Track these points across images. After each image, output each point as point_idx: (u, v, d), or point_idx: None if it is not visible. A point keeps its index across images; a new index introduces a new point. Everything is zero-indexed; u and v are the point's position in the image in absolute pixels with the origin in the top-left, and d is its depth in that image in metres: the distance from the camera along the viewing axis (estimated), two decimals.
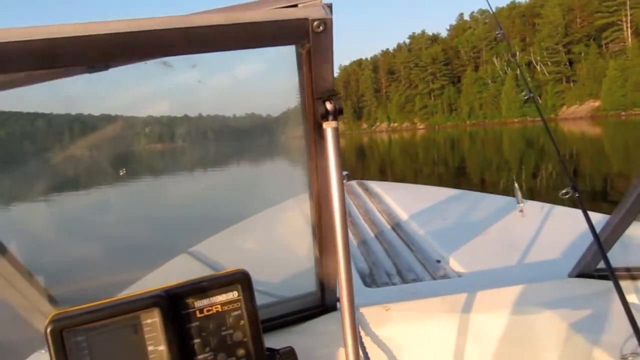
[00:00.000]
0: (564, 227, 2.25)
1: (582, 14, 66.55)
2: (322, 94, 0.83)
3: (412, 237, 2.45)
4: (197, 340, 0.97)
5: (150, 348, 0.94)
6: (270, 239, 2.62)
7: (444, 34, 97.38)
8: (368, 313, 1.42)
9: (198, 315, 0.97)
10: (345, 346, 0.95)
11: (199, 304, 0.97)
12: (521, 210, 2.57)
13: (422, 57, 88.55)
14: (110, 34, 0.64)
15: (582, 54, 64.29)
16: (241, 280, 1.00)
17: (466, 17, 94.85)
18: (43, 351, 1.42)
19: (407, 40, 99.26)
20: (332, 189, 0.86)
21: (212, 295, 0.98)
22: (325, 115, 0.83)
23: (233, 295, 0.99)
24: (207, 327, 0.98)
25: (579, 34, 66.67)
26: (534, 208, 2.68)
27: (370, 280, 1.93)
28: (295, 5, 0.76)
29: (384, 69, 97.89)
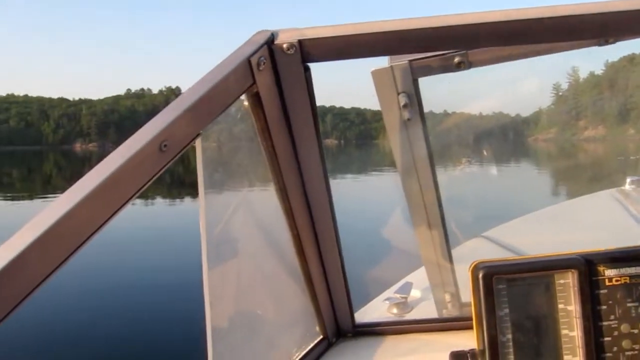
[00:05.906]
0: None
1: None
2: None
3: None
4: (603, 307, 1.01)
5: (560, 306, 1.01)
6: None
7: None
8: None
9: (607, 283, 1.01)
10: None
11: (609, 272, 1.01)
12: None
13: None
14: None
15: None
16: None
17: None
18: (388, 302, 1.68)
19: None
20: None
21: (621, 267, 1.01)
22: None
23: None
24: (614, 296, 1.01)
25: None
26: None
27: None
28: None
29: None
